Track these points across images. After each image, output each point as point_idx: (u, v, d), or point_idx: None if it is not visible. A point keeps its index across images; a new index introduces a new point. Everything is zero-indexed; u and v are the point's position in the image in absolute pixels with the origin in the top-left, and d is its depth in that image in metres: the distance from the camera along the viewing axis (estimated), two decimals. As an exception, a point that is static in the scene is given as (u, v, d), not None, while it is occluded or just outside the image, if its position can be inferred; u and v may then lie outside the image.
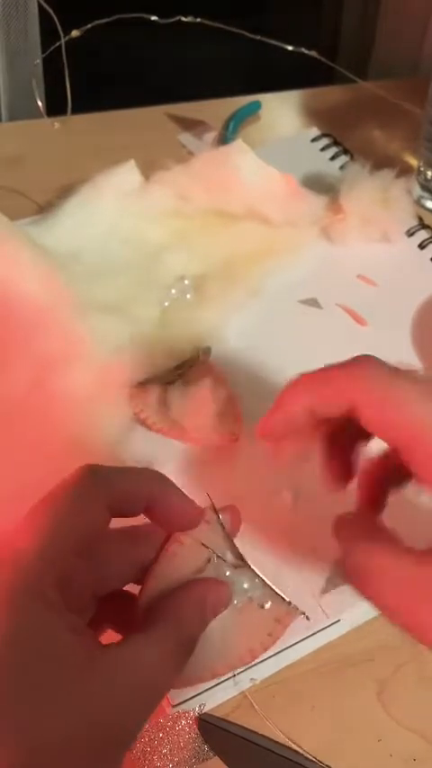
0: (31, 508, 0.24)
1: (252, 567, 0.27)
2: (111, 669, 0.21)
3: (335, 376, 0.26)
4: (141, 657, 0.22)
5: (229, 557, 0.27)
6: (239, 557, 0.28)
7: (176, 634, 0.23)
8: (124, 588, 0.26)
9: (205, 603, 0.25)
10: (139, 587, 0.26)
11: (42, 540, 0.22)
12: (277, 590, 0.27)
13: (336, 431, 0.29)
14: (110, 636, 0.25)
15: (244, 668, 0.31)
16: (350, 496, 0.37)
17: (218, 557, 0.27)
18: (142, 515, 0.26)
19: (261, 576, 0.27)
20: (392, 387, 0.24)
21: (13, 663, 0.20)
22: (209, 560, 0.27)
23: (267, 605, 0.27)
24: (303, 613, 0.27)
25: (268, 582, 0.27)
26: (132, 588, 0.26)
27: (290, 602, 0.27)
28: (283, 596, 0.27)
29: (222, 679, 0.30)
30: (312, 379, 0.27)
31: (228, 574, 0.27)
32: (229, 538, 0.28)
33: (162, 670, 0.22)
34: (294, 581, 0.33)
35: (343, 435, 0.29)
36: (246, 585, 0.27)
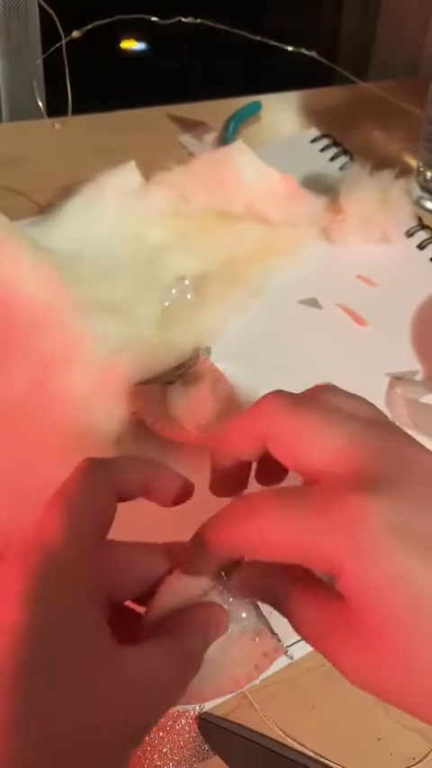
0: (48, 502, 0.25)
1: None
2: (127, 665, 0.21)
3: (245, 417, 0.25)
4: (154, 660, 0.22)
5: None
6: None
7: (183, 649, 0.24)
8: (130, 605, 0.26)
9: (209, 626, 0.25)
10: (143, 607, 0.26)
11: (67, 530, 0.23)
12: (271, 625, 0.27)
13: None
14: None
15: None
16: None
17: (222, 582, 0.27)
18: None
19: (260, 607, 0.27)
20: (296, 418, 0.24)
21: (37, 648, 0.20)
22: (214, 585, 0.27)
23: (258, 639, 0.27)
24: (286, 653, 0.27)
25: (264, 615, 0.27)
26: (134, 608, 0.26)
27: (279, 639, 0.27)
28: (274, 631, 0.27)
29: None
30: (230, 427, 0.26)
31: (230, 600, 0.27)
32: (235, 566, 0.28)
33: (172, 677, 0.23)
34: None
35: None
36: (243, 615, 0.27)
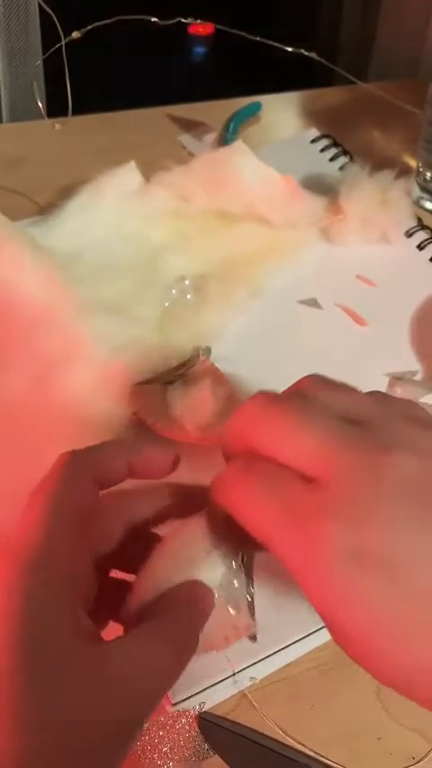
0: (27, 503, 0.25)
1: (245, 570, 0.28)
2: (112, 661, 0.22)
3: (231, 422, 0.25)
4: (143, 651, 0.22)
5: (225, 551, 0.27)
6: (239, 555, 0.28)
7: (174, 635, 0.24)
8: (117, 575, 0.27)
9: (199, 606, 0.26)
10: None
11: (45, 527, 0.23)
12: (254, 605, 0.27)
13: None
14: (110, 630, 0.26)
15: (243, 667, 0.31)
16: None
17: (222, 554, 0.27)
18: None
19: (252, 582, 0.28)
20: (271, 421, 0.24)
21: (25, 652, 0.21)
22: (207, 553, 0.27)
23: (235, 611, 0.27)
24: (255, 636, 0.28)
25: (253, 593, 0.28)
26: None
27: (255, 622, 0.27)
28: (254, 612, 0.27)
29: (222, 678, 0.31)
30: (224, 432, 0.26)
31: (232, 567, 0.27)
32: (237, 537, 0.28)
33: (163, 665, 0.23)
34: (294, 579, 0.34)
35: None
36: (235, 583, 0.27)
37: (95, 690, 0.21)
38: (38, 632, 0.21)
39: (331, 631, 0.21)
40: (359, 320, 0.48)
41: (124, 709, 0.21)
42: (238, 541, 0.27)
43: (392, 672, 0.21)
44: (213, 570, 0.27)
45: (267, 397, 0.24)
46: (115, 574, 0.27)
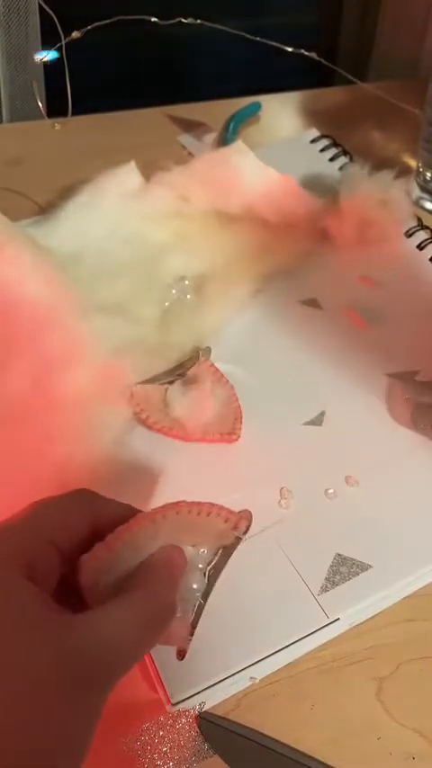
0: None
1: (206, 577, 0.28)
2: (78, 627, 0.22)
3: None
4: (108, 616, 0.23)
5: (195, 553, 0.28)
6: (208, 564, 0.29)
7: (148, 596, 0.25)
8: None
9: (173, 567, 0.26)
10: None
11: (26, 522, 0.25)
12: (198, 621, 0.28)
13: None
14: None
15: (243, 667, 0.31)
16: (348, 498, 0.37)
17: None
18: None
19: (209, 593, 0.28)
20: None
21: None
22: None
23: (181, 615, 0.28)
24: (183, 653, 0.28)
25: (202, 609, 0.28)
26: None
27: (191, 637, 0.28)
28: (195, 628, 0.28)
29: (222, 678, 0.31)
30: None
31: (198, 569, 0.28)
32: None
33: (132, 626, 0.23)
34: (293, 579, 0.34)
35: None
36: (194, 586, 0.28)
37: (54, 651, 0.21)
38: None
39: None
40: (359, 320, 0.48)
41: (88, 671, 0.22)
42: (212, 545, 0.28)
43: None
44: None
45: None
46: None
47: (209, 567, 0.28)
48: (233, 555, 0.30)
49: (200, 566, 0.28)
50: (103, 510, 0.27)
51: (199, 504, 0.28)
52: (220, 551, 0.29)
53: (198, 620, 0.28)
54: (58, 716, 0.21)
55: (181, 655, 0.29)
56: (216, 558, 0.29)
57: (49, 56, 0.65)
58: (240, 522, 0.29)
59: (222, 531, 0.28)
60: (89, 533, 0.27)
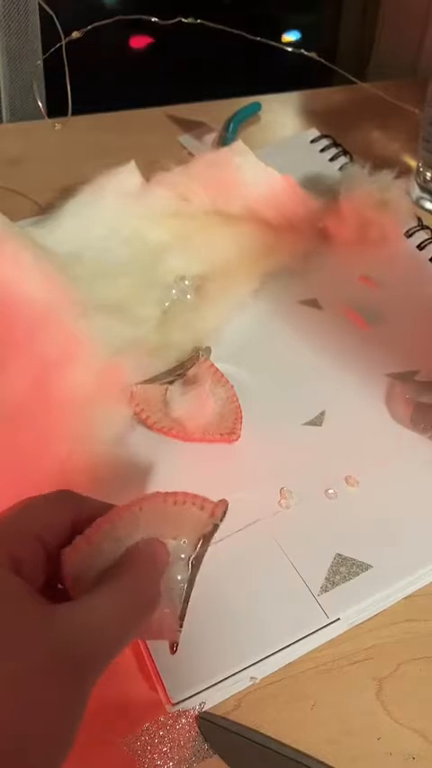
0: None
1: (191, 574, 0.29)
2: (63, 615, 0.23)
3: None
4: (93, 604, 0.24)
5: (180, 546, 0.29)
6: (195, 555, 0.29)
7: (130, 584, 0.25)
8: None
9: (156, 557, 0.27)
10: None
11: (12, 518, 0.26)
12: (185, 612, 0.28)
13: None
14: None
15: (243, 667, 0.31)
16: (348, 498, 0.37)
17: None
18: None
19: (193, 582, 0.29)
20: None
21: None
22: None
23: (166, 610, 0.28)
24: (175, 646, 0.29)
25: (188, 601, 0.29)
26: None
27: (180, 629, 0.28)
28: (183, 620, 0.28)
29: (222, 678, 0.31)
30: None
31: (182, 560, 0.28)
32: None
33: (117, 613, 0.24)
34: (293, 579, 0.34)
35: None
36: (179, 577, 0.28)
37: (40, 639, 0.22)
38: None
39: None
40: (359, 320, 0.48)
41: (73, 658, 0.22)
42: (192, 535, 0.29)
43: None
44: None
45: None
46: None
47: (191, 557, 0.29)
48: (232, 554, 0.30)
49: (182, 556, 0.29)
50: (85, 508, 0.28)
51: (174, 493, 0.28)
52: (200, 540, 0.29)
53: (186, 610, 0.29)
54: (45, 703, 0.21)
55: (173, 647, 0.29)
56: (197, 547, 0.29)
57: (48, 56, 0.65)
58: (216, 509, 0.29)
59: (200, 520, 0.29)
60: (72, 531, 0.27)
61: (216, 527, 0.29)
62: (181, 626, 0.28)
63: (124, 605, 0.25)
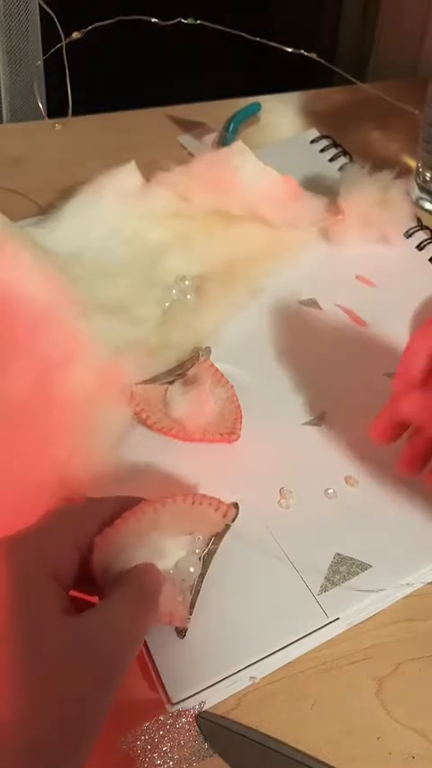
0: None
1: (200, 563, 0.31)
2: (88, 624, 0.26)
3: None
4: (108, 615, 0.27)
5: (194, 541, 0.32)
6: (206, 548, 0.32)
7: (133, 595, 0.28)
8: None
9: (149, 582, 0.29)
10: None
11: (56, 529, 0.28)
12: (196, 601, 0.31)
13: None
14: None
15: (243, 667, 0.31)
16: (347, 498, 0.37)
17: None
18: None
19: (204, 576, 0.31)
20: None
21: (13, 619, 0.25)
22: (175, 533, 0.31)
23: (180, 598, 0.30)
24: (184, 632, 0.31)
25: (199, 591, 0.31)
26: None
27: (190, 617, 0.31)
28: (193, 608, 0.31)
29: (222, 678, 0.31)
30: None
31: (183, 554, 0.31)
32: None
33: (128, 624, 0.27)
34: (293, 579, 0.34)
35: None
36: (191, 570, 0.31)
37: (73, 649, 0.24)
38: (24, 603, 0.25)
39: None
40: (359, 321, 0.48)
41: (99, 662, 0.25)
42: (206, 532, 0.32)
43: None
44: (176, 549, 0.31)
45: None
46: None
47: (204, 552, 0.31)
48: (232, 554, 0.33)
49: (196, 551, 0.31)
50: (109, 510, 0.30)
51: (193, 494, 0.32)
52: (213, 538, 0.32)
53: (196, 600, 0.31)
54: (73, 704, 0.23)
55: (182, 633, 0.31)
56: (210, 544, 0.32)
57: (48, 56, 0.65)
58: (229, 511, 0.32)
59: (214, 519, 0.32)
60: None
61: (228, 527, 0.32)
62: (191, 614, 0.31)
63: (134, 617, 0.27)
